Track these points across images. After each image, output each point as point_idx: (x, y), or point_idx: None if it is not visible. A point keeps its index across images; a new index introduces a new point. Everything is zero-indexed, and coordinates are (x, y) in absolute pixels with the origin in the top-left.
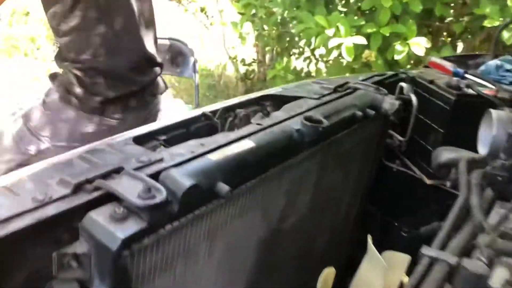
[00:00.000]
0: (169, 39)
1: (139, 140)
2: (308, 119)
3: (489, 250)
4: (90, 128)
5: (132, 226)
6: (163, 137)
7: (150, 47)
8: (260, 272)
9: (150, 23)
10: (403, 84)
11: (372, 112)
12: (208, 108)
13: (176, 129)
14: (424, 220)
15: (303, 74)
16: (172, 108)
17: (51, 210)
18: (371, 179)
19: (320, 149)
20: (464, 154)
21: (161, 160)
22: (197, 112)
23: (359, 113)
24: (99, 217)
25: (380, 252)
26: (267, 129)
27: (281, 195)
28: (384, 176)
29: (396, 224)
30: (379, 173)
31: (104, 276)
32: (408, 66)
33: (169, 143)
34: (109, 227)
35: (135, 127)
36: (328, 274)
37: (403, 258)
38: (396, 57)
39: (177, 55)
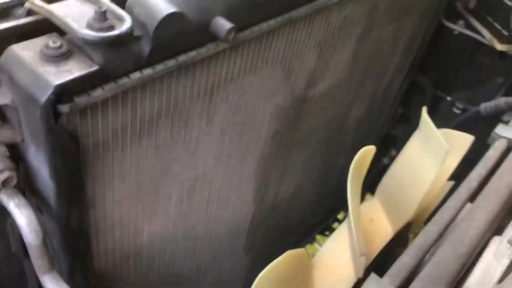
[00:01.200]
0: None
1: None
2: None
3: None
4: None
5: (73, 69)
6: None
7: None
8: (278, 146)
9: None
10: None
11: None
12: None
13: None
14: (484, 95)
15: None
16: None
17: None
18: (426, 41)
19: None
20: None
21: None
22: None
23: None
24: (25, 52)
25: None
26: None
27: (312, 49)
28: (441, 40)
29: (448, 99)
30: (434, 36)
31: (38, 141)
32: None
33: None
34: (37, 68)
35: None
36: (366, 152)
37: (465, 139)
38: None
39: None
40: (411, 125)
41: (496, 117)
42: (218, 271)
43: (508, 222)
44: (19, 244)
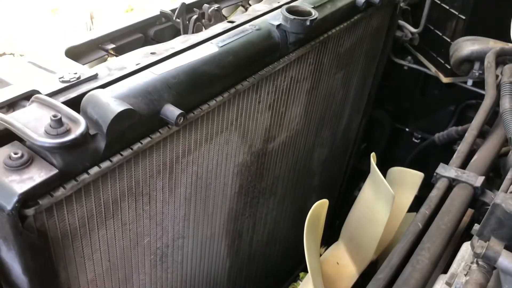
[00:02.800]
0: None
1: (75, 52)
2: (291, 11)
3: None
4: None
5: (35, 175)
6: (110, 46)
7: None
8: (245, 199)
9: None
10: None
11: None
12: (170, 5)
13: (129, 34)
14: (438, 124)
15: None
16: None
17: None
18: (377, 80)
19: (312, 50)
20: (491, 45)
21: (94, 77)
22: (156, 11)
23: (361, 0)
24: None
25: (388, 165)
26: (239, 27)
27: (264, 111)
28: (393, 75)
29: (407, 130)
30: (387, 72)
31: (8, 242)
32: None
33: (121, 54)
34: (2, 179)
35: None
36: (319, 207)
37: (415, 176)
38: None
39: None
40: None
41: (450, 145)
42: None
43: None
44: None
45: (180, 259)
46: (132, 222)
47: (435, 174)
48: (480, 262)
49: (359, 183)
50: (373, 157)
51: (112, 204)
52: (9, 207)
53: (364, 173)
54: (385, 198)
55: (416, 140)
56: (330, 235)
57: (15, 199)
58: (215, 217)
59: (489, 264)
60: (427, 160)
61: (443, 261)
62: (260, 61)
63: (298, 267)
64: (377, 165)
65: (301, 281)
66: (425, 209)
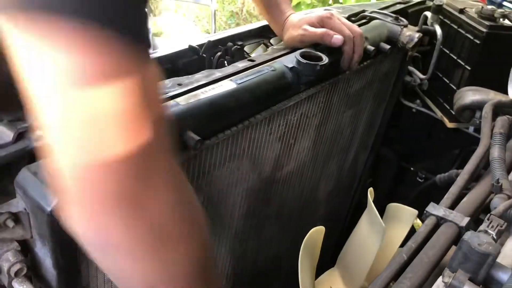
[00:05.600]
0: None
1: None
2: (304, 55)
3: (500, 219)
4: None
5: None
6: None
7: None
8: (251, 222)
9: None
10: (427, 13)
11: (387, 47)
12: (198, 40)
13: (160, 64)
14: (442, 165)
15: (330, 1)
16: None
17: None
18: (386, 120)
19: (321, 90)
20: (491, 96)
21: None
22: (185, 44)
23: (371, 48)
24: (36, 172)
25: (392, 201)
26: (257, 67)
27: (274, 141)
28: (402, 116)
29: (412, 169)
30: (396, 113)
31: (44, 239)
32: None
33: None
34: (45, 185)
35: None
36: (315, 233)
37: (410, 213)
38: None
39: None
40: (380, 193)
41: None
42: None
43: None
44: None
45: None
46: None
47: (425, 212)
48: None
49: None
50: (370, 192)
51: None
52: (49, 208)
53: None
54: (377, 230)
55: (420, 180)
56: (332, 267)
57: (55, 202)
58: (222, 235)
59: None
60: (431, 198)
61: None
62: (273, 98)
63: None
64: (382, 200)
65: None
66: (412, 243)
